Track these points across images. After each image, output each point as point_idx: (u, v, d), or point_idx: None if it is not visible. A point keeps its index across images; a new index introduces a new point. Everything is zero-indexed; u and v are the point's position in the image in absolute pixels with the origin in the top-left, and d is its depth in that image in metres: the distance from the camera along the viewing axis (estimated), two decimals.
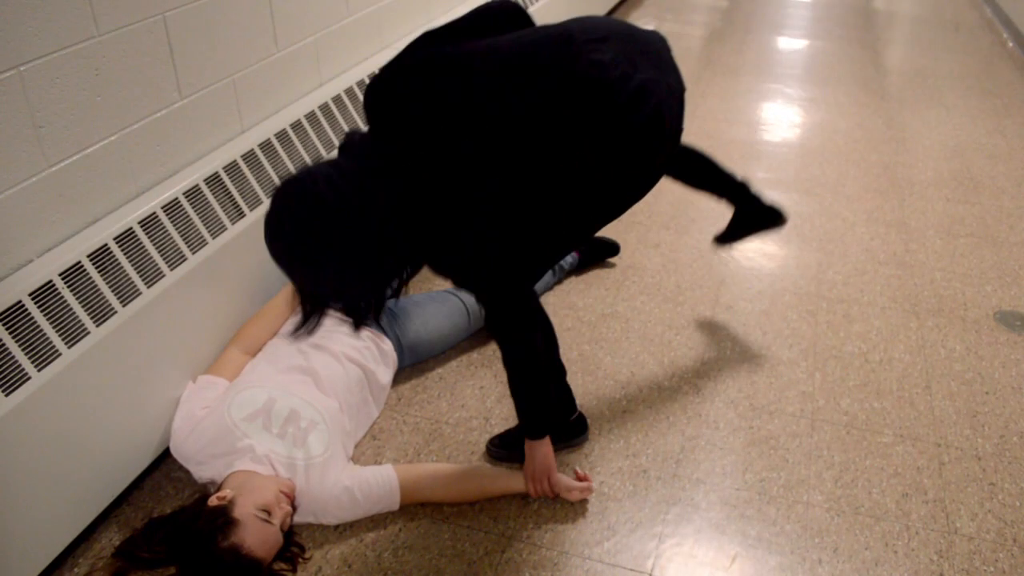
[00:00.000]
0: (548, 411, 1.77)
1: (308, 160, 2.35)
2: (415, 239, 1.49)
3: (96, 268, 1.71)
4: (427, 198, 1.47)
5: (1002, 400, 2.23)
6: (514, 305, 1.62)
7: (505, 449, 2.01)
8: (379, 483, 1.82)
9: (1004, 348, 2.44)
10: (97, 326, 1.68)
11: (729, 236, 2.41)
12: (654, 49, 1.61)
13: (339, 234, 1.36)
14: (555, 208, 1.61)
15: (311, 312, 1.56)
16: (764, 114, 4.14)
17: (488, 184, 1.50)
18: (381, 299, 1.56)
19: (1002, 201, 3.29)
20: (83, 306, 1.66)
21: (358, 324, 1.55)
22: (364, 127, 2.63)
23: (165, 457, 1.98)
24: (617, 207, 1.69)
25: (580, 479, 1.89)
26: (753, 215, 2.32)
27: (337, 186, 1.37)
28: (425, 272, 2.74)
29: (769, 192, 3.32)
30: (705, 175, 2.25)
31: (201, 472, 1.83)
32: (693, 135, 3.85)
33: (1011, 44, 5.32)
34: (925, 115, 4.15)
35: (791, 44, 5.26)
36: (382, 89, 1.53)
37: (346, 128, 2.54)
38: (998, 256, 2.90)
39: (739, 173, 2.28)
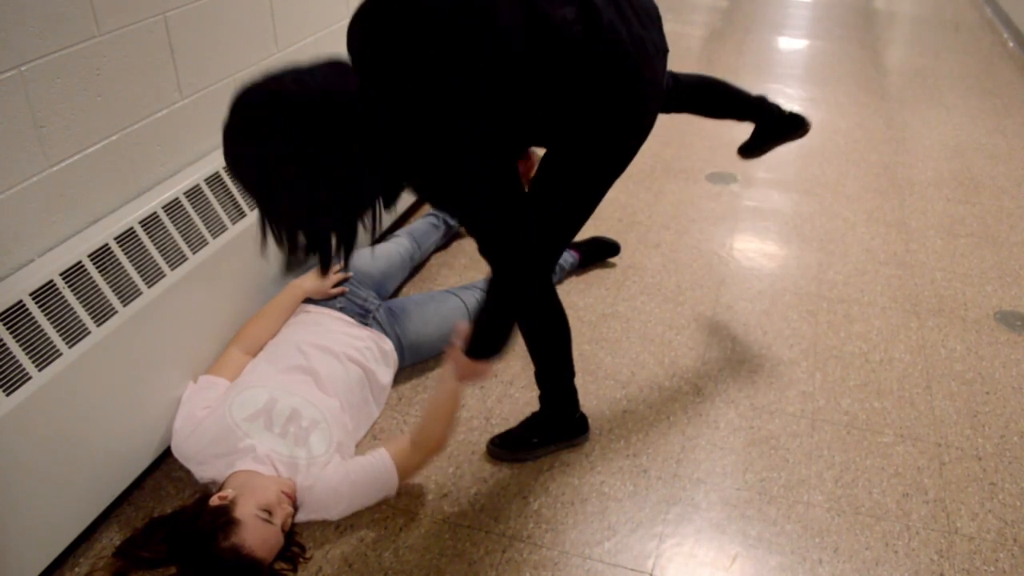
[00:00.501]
0: (502, 343, 1.68)
1: None
2: (395, 161, 1.37)
3: (97, 268, 1.71)
4: (411, 123, 1.35)
5: (1002, 400, 2.23)
6: (506, 239, 1.55)
7: (506, 449, 2.01)
8: (375, 465, 1.82)
9: (1004, 348, 2.44)
10: (98, 326, 1.68)
11: (753, 146, 2.33)
12: (643, 8, 1.57)
13: (311, 143, 1.21)
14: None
15: (288, 250, 1.36)
16: None
17: (478, 121, 1.40)
18: (352, 234, 1.38)
19: (1002, 201, 3.29)
20: (84, 306, 1.66)
21: (325, 265, 1.38)
22: None
23: (166, 457, 1.98)
24: (606, 161, 1.62)
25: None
26: (776, 126, 2.25)
27: (309, 89, 1.21)
28: (425, 272, 2.74)
29: (770, 192, 3.32)
30: (721, 100, 2.19)
31: (202, 472, 1.83)
32: (695, 135, 3.86)
33: (1011, 44, 5.32)
34: (925, 115, 4.15)
35: (791, 44, 5.26)
36: (366, 20, 1.39)
37: None
38: (998, 256, 2.90)
39: (753, 90, 2.24)
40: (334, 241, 1.36)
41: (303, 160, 1.22)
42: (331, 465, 1.82)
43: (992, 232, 3.06)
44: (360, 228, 1.40)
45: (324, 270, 1.39)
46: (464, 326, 1.73)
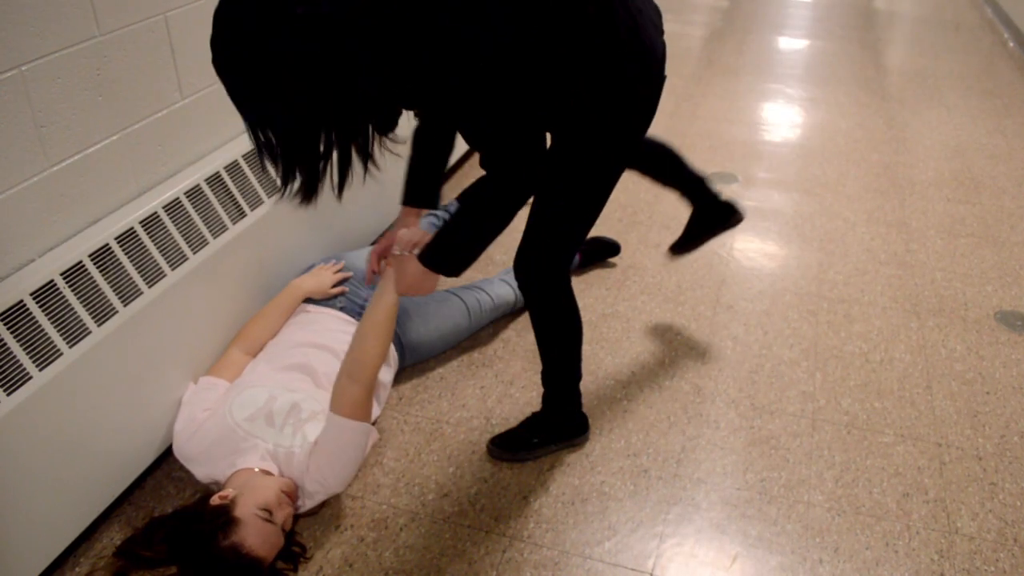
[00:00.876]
0: (465, 257, 1.60)
1: None
2: (396, 74, 1.31)
3: (97, 268, 1.71)
4: (428, 33, 1.30)
5: (1003, 400, 2.23)
6: (510, 155, 1.50)
7: (506, 449, 2.01)
8: (329, 429, 1.77)
9: (1005, 348, 2.44)
10: (99, 326, 1.68)
11: (685, 240, 2.38)
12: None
13: (302, 44, 1.15)
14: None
15: (282, 170, 1.29)
16: (765, 114, 4.14)
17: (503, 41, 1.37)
18: (346, 155, 1.31)
19: (1003, 201, 3.29)
20: (84, 306, 1.67)
21: (309, 193, 1.30)
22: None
23: (166, 456, 1.98)
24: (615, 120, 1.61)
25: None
26: (711, 211, 2.30)
27: None
28: None
29: (770, 192, 3.32)
30: (669, 165, 2.23)
31: (204, 472, 1.83)
32: (694, 135, 3.86)
33: (1012, 44, 5.32)
34: (926, 115, 4.15)
35: (792, 44, 5.26)
36: None
37: None
38: (999, 256, 2.90)
39: (698, 169, 2.29)
40: (329, 166, 1.30)
41: (299, 59, 1.16)
42: (318, 440, 1.81)
43: (992, 232, 3.06)
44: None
45: (306, 201, 1.31)
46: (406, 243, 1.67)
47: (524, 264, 1.77)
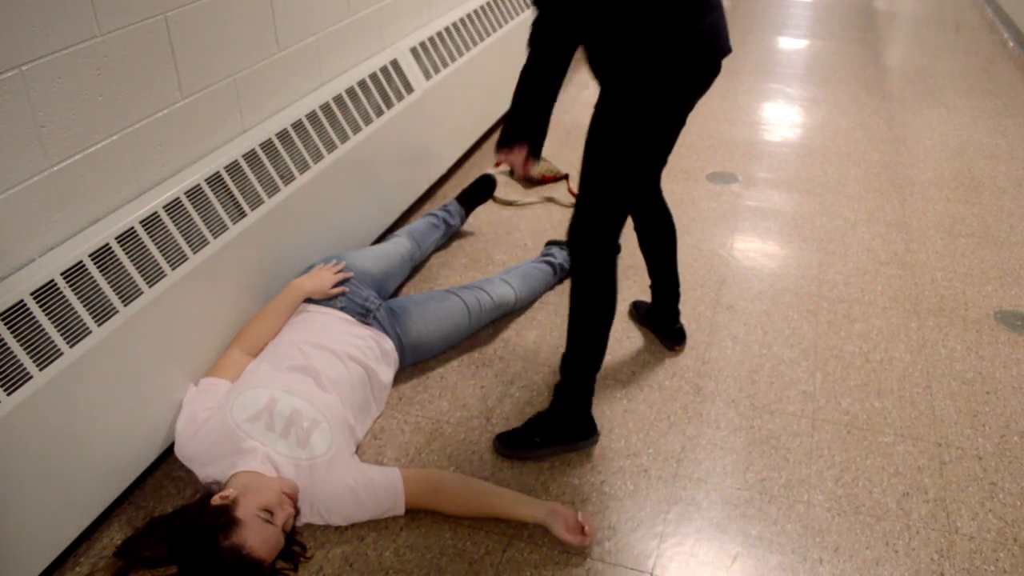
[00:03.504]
0: (520, 115, 1.77)
1: (310, 162, 2.36)
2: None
3: (98, 267, 1.71)
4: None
5: (1003, 400, 2.23)
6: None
7: (508, 446, 2.01)
8: (384, 487, 1.82)
9: (1005, 348, 2.44)
10: (99, 325, 1.68)
11: (645, 315, 2.51)
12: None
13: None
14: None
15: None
16: (765, 114, 4.14)
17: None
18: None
19: (1003, 201, 3.29)
20: (85, 305, 1.67)
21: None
22: (364, 126, 2.64)
23: (167, 456, 1.98)
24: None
25: (582, 526, 1.76)
26: (664, 319, 2.41)
27: None
28: (426, 272, 2.75)
29: (770, 192, 3.32)
30: (661, 251, 2.28)
31: (205, 473, 1.83)
32: (695, 135, 3.86)
33: (1012, 44, 5.32)
34: (926, 115, 4.15)
35: (792, 44, 5.26)
36: None
37: (347, 128, 2.54)
38: (999, 256, 2.90)
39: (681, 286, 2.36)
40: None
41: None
42: (339, 469, 1.81)
43: (992, 232, 3.06)
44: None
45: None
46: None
47: (574, 231, 1.86)
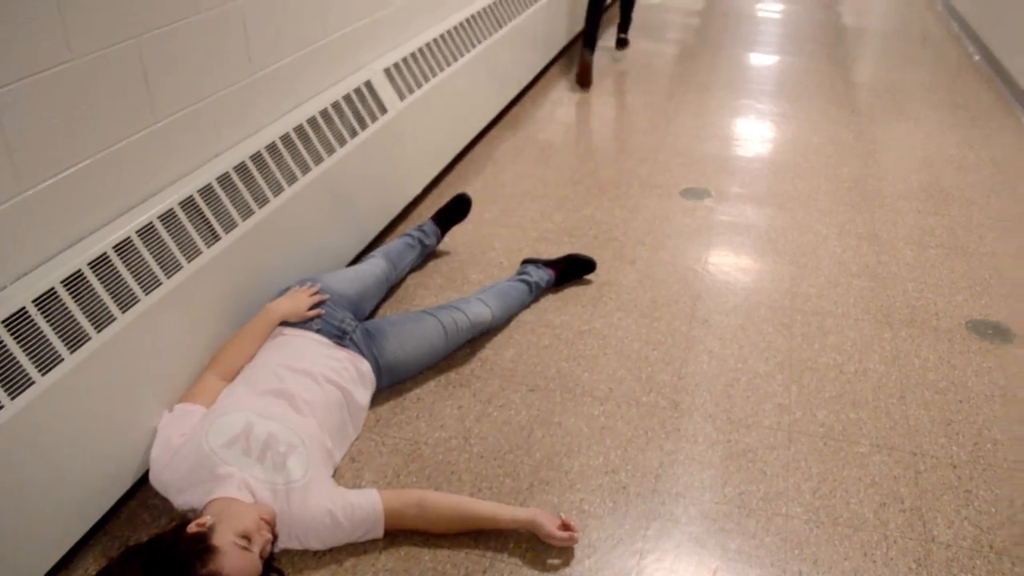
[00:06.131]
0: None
1: (284, 184, 2.35)
2: None
3: (70, 294, 1.69)
4: None
5: (975, 408, 2.26)
6: None
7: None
8: (363, 508, 1.81)
9: (976, 357, 2.47)
10: (71, 352, 1.67)
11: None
12: None
13: None
14: None
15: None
16: (737, 130, 4.19)
17: None
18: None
19: (971, 212, 3.34)
20: (56, 332, 1.65)
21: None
22: (339, 148, 2.64)
23: (142, 485, 1.96)
24: None
25: (565, 526, 1.83)
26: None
27: None
28: (402, 293, 2.74)
29: (743, 207, 3.36)
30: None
31: (181, 500, 1.81)
32: (668, 151, 3.89)
33: (977, 57, 5.42)
34: (895, 128, 4.22)
35: (763, 60, 5.33)
36: None
37: (321, 150, 2.55)
38: (968, 266, 2.95)
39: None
40: None
41: None
42: (317, 494, 1.80)
43: (961, 243, 3.11)
44: None
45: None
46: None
47: None
